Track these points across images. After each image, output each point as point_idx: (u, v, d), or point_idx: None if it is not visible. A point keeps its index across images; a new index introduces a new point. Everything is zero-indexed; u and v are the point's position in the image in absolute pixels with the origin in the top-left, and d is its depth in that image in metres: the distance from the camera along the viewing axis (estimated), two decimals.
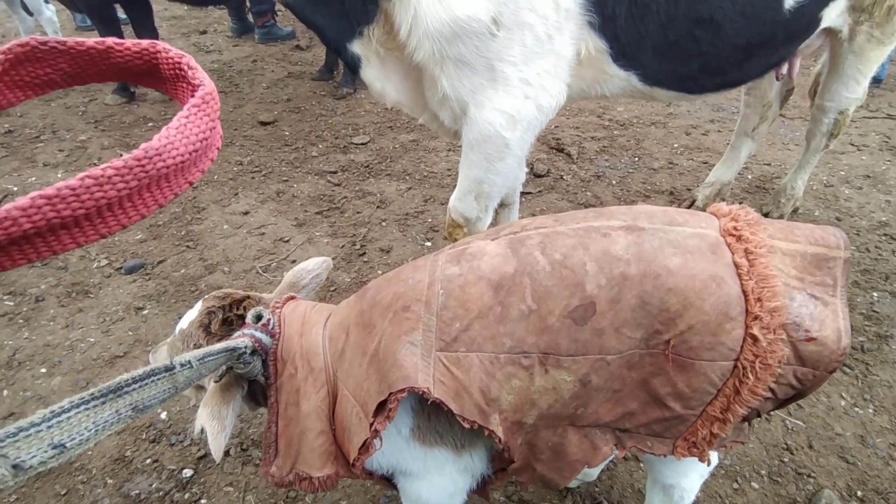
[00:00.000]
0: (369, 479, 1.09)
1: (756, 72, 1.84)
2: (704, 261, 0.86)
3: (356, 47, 1.51)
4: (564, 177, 3.28)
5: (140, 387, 0.71)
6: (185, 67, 0.43)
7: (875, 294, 2.47)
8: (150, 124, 3.69)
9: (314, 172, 3.24)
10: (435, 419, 0.98)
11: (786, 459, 1.80)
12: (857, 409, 1.97)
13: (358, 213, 2.91)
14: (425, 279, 0.93)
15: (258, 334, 0.99)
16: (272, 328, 1.02)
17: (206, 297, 1.13)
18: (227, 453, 1.72)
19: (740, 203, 2.63)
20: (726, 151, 2.82)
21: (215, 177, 3.14)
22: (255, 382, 1.05)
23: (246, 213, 2.85)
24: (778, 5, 1.56)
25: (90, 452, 1.72)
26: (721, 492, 1.69)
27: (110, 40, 0.41)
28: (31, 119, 3.64)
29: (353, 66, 1.57)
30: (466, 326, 0.86)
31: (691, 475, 1.20)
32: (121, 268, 2.46)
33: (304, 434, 0.97)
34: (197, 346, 1.07)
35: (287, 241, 2.67)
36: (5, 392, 1.89)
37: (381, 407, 0.85)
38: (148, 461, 1.71)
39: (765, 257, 0.86)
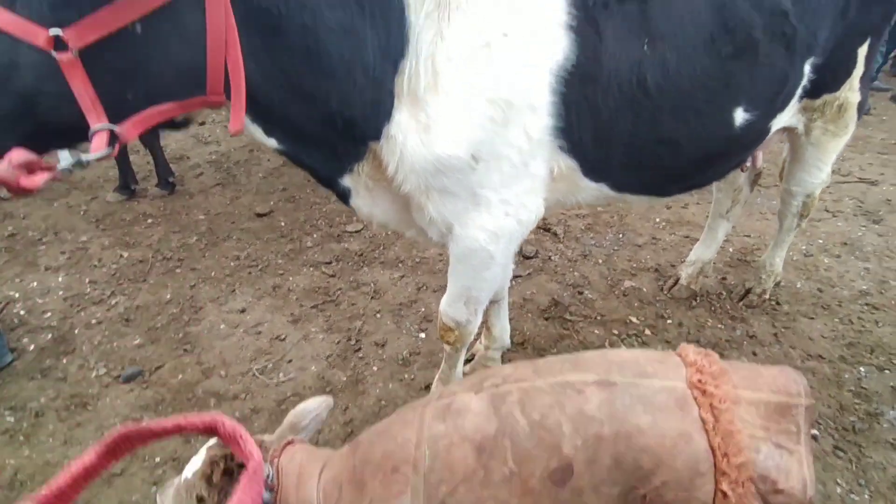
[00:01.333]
0: None
1: (717, 176, 1.98)
2: (673, 418, 0.93)
3: (347, 181, 1.62)
4: (552, 257, 3.38)
5: None
6: (238, 439, 0.53)
7: (862, 369, 2.51)
8: (149, 220, 3.81)
9: (309, 264, 3.33)
10: None
11: None
12: (853, 495, 1.98)
13: (353, 304, 2.98)
14: (412, 438, 0.98)
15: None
16: (271, 482, 1.06)
17: (210, 445, 1.18)
18: None
19: (723, 278, 2.71)
20: (704, 231, 2.94)
21: (213, 273, 3.23)
22: None
23: (243, 311, 2.92)
24: (729, 124, 1.70)
25: None
26: None
27: (182, 420, 0.52)
28: (34, 221, 3.76)
29: (344, 197, 1.68)
30: (452, 490, 0.91)
31: None
32: (119, 376, 2.49)
33: None
34: (199, 497, 1.11)
35: (283, 339, 2.72)
36: None
37: None
38: None
39: (729, 412, 0.92)
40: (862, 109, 2.21)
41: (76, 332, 2.77)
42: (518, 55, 1.44)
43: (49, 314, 2.91)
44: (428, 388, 2.36)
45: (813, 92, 1.99)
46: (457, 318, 1.95)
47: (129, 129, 1.20)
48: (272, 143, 1.49)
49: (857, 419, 2.26)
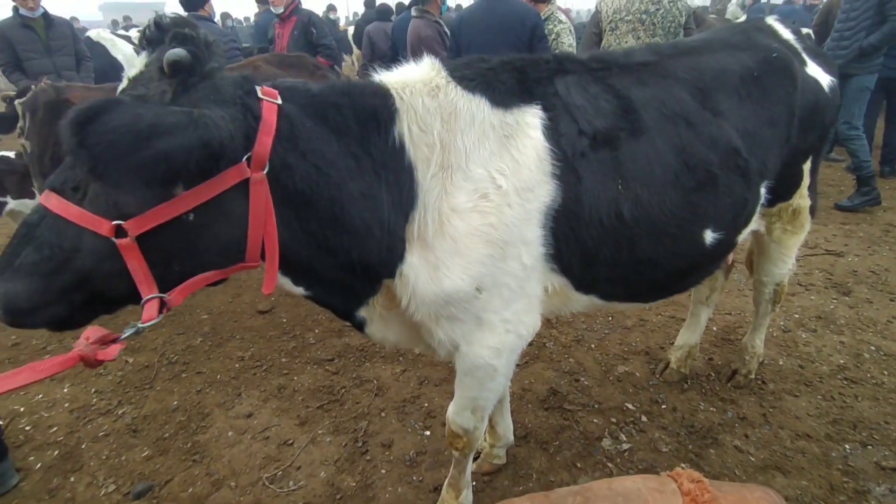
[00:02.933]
0: None
1: (694, 284, 2.20)
2: None
3: (363, 312, 1.78)
4: (547, 343, 3.52)
5: None
6: None
7: (847, 446, 2.64)
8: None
9: (313, 361, 3.42)
10: None
11: None
12: None
13: (357, 402, 3.06)
14: None
15: None
16: None
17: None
18: None
19: (709, 359, 2.86)
20: (688, 318, 3.13)
21: (218, 376, 3.30)
22: None
23: (249, 416, 2.97)
24: (700, 243, 1.92)
25: None
26: None
27: None
28: (38, 329, 3.82)
29: (359, 326, 1.83)
30: None
31: None
32: (129, 493, 2.51)
33: None
34: None
35: (291, 443, 2.78)
36: None
37: None
38: None
39: None
40: (814, 211, 2.48)
41: (83, 446, 2.80)
42: (511, 202, 1.65)
43: (55, 428, 2.93)
44: (437, 489, 2.42)
45: (769, 203, 2.25)
46: (465, 426, 2.06)
47: (177, 296, 1.35)
48: (300, 290, 1.66)
49: (846, 499, 2.36)
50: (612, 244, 1.81)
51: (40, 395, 3.17)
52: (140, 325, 1.30)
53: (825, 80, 2.30)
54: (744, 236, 2.24)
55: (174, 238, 1.32)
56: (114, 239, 1.26)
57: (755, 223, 2.32)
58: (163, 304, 1.35)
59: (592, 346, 3.49)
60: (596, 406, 2.96)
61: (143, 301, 1.32)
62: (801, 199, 2.37)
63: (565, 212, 1.72)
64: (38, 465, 2.69)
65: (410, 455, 2.67)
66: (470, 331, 1.81)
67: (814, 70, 2.28)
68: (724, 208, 1.91)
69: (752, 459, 2.58)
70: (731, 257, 2.54)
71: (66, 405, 3.09)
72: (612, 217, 1.76)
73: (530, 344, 3.47)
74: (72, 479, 2.61)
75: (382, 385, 3.19)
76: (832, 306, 3.81)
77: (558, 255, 1.81)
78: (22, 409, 3.08)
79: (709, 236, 1.92)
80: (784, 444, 2.66)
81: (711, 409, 2.90)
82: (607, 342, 3.52)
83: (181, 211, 1.28)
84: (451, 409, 2.09)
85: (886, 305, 3.80)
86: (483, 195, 1.65)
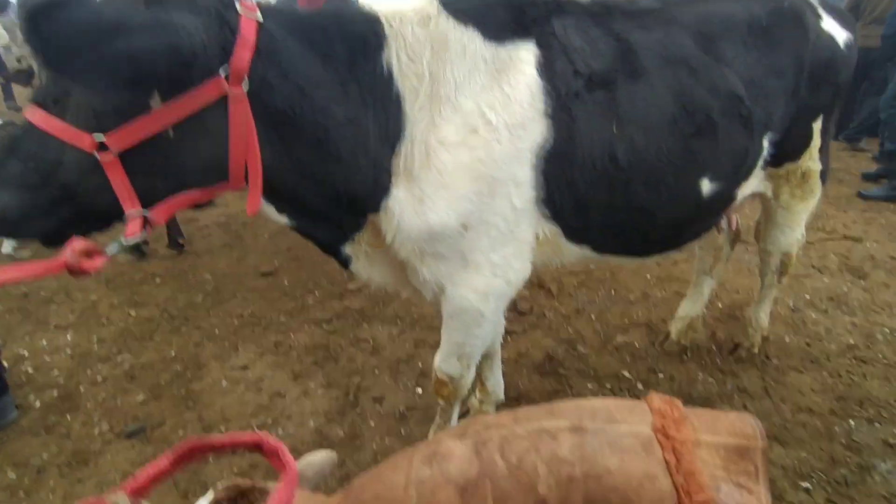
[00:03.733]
0: None
1: (690, 238, 2.12)
2: (639, 459, 1.01)
3: (348, 249, 1.77)
4: (546, 313, 3.47)
5: None
6: (280, 451, 0.66)
7: (852, 422, 2.55)
8: (158, 280, 3.95)
9: (311, 321, 3.43)
10: None
11: None
12: None
13: (352, 360, 3.06)
14: (401, 481, 1.06)
15: None
16: None
17: (215, 488, 1.25)
18: None
19: (713, 333, 2.80)
20: (690, 288, 3.05)
21: (216, 331, 3.33)
22: None
23: (245, 368, 2.99)
24: (697, 193, 1.86)
25: None
26: None
27: (235, 437, 0.65)
28: (47, 281, 3.90)
29: (345, 262, 1.82)
30: None
31: None
32: (121, 433, 2.55)
33: None
34: None
35: (283, 395, 2.79)
36: None
37: None
38: None
39: (690, 453, 1.01)
40: (825, 177, 2.38)
41: (81, 389, 2.84)
42: (501, 138, 1.61)
43: (56, 372, 2.99)
44: None
45: (775, 162, 2.17)
46: (451, 373, 2.04)
47: (160, 214, 1.35)
48: (283, 219, 1.64)
49: (848, 472, 2.29)
50: (606, 189, 1.76)
51: (44, 341, 3.24)
52: (124, 241, 1.31)
53: (841, 36, 2.20)
54: (745, 193, 2.16)
55: (156, 155, 1.31)
56: (96, 154, 1.27)
57: (760, 182, 2.24)
58: (146, 222, 1.35)
59: (593, 316, 3.43)
60: (591, 373, 2.91)
61: (126, 217, 1.33)
62: (811, 161, 2.28)
63: (557, 153, 1.67)
64: (38, 403, 2.75)
65: (400, 410, 2.66)
66: (455, 271, 1.78)
67: (829, 25, 2.19)
68: (724, 157, 1.85)
69: None
70: (734, 221, 2.46)
71: (69, 351, 3.15)
72: (606, 160, 1.71)
73: (529, 312, 3.46)
74: (68, 417, 2.66)
75: (378, 345, 3.18)
76: (846, 289, 3.69)
77: (550, 200, 1.76)
78: (26, 354, 3.14)
79: (706, 186, 1.86)
80: (784, 417, 2.58)
81: (710, 380, 2.84)
82: (608, 314, 3.46)
83: (161, 126, 1.27)
84: (437, 356, 2.06)
85: None
86: (472, 129, 1.61)
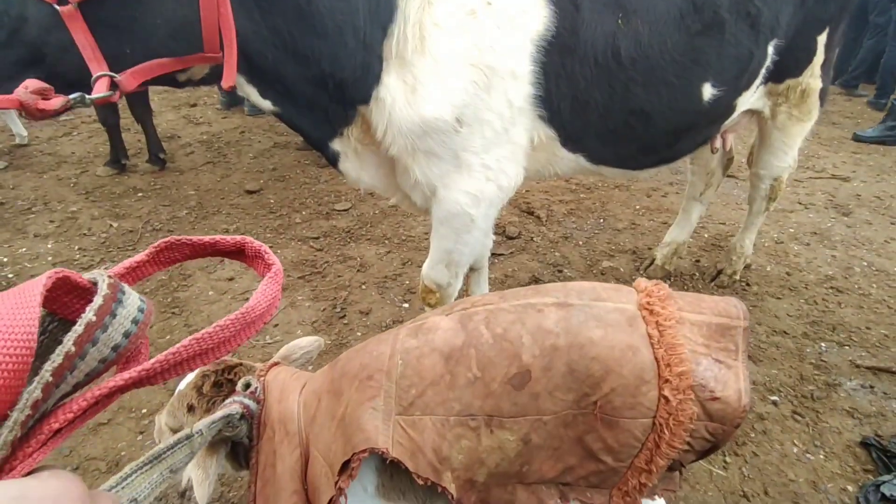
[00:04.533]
0: None
1: (686, 150, 2.09)
2: (622, 332, 1.02)
3: (336, 145, 1.70)
4: (534, 238, 3.48)
5: (171, 453, 0.86)
6: (263, 252, 0.63)
7: (823, 344, 2.64)
8: (139, 194, 3.85)
9: (297, 238, 3.40)
10: (397, 478, 1.09)
11: None
12: (808, 455, 2.10)
13: (339, 276, 3.06)
14: (387, 351, 1.07)
15: (247, 401, 1.11)
16: (258, 395, 1.14)
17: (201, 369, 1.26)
18: None
19: (697, 261, 2.83)
20: (679, 214, 3.06)
21: None
22: (238, 444, 1.16)
23: (231, 280, 2.98)
24: (697, 99, 1.81)
25: None
26: None
27: (218, 238, 0.61)
28: (24, 191, 3.79)
29: (333, 160, 1.76)
30: (421, 393, 1.00)
31: None
32: None
33: (279, 494, 1.08)
34: (189, 406, 1.20)
35: None
36: None
37: (345, 466, 0.97)
38: None
39: (673, 328, 1.02)
40: (824, 97, 2.34)
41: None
42: (501, 23, 1.53)
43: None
44: None
45: (777, 76, 2.11)
46: (438, 281, 2.04)
47: (129, 79, 1.28)
48: (267, 104, 1.57)
49: (815, 388, 2.39)
50: (606, 88, 1.70)
51: (24, 249, 3.18)
52: (87, 97, 1.25)
53: None
54: (744, 107, 2.11)
55: (118, 9, 1.24)
56: (56, 6, 1.20)
57: (759, 98, 2.19)
58: (115, 86, 1.29)
59: (580, 243, 3.45)
60: None
61: (93, 78, 1.27)
62: (813, 78, 2.22)
63: (559, 45, 1.60)
64: None
65: (387, 322, 2.69)
66: (448, 172, 1.74)
67: None
68: (728, 60, 1.79)
69: None
70: (729, 141, 2.42)
71: (50, 259, 3.10)
72: (609, 56, 1.64)
73: (517, 237, 3.47)
74: None
75: (365, 263, 3.18)
76: (829, 224, 3.73)
77: (548, 99, 1.70)
78: (6, 260, 3.09)
79: (708, 91, 1.81)
80: (759, 338, 2.66)
81: None
82: (595, 241, 3.47)
83: None
84: (426, 264, 2.06)
85: (886, 227, 3.71)
86: (470, 11, 1.52)
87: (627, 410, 1.00)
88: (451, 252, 1.96)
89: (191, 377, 1.21)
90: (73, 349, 0.45)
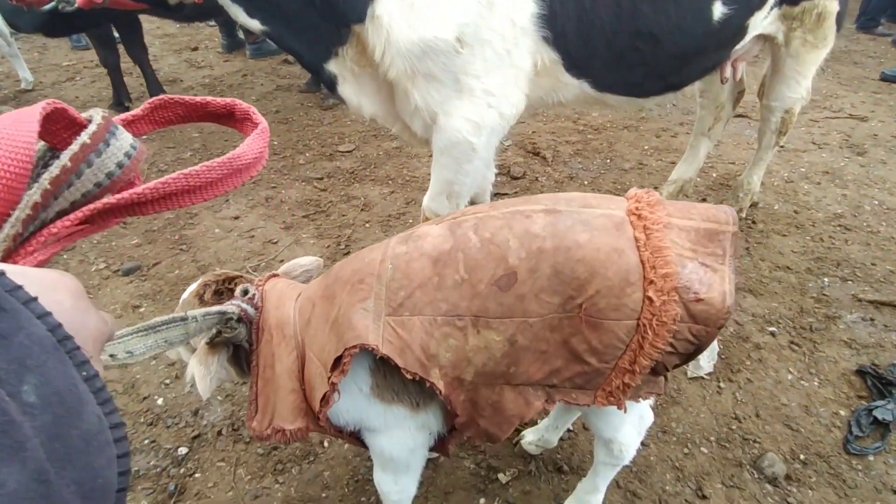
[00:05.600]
0: (339, 435, 1.25)
1: (694, 75, 2.03)
2: (608, 236, 1.03)
3: (332, 67, 1.68)
4: (539, 178, 3.45)
5: (167, 328, 0.93)
6: (251, 113, 0.64)
7: (826, 279, 2.64)
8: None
9: (301, 179, 3.41)
10: (391, 378, 1.14)
11: (734, 427, 1.96)
12: (803, 382, 2.14)
13: (343, 216, 3.08)
14: (378, 257, 1.10)
15: (244, 305, 1.15)
16: (256, 301, 1.18)
17: (206, 274, 1.31)
18: (219, 433, 1.87)
19: (703, 199, 2.80)
20: (686, 150, 3.01)
21: None
22: (241, 351, 1.21)
23: (236, 218, 3.02)
24: (707, 19, 1.74)
25: None
26: (672, 456, 1.84)
27: (209, 98, 0.63)
28: None
29: (331, 84, 1.74)
30: (410, 294, 1.03)
31: (624, 429, 1.35)
32: (118, 270, 2.62)
33: (278, 392, 1.13)
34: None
35: (276, 242, 2.84)
36: None
37: (337, 362, 1.01)
38: (146, 442, 1.86)
39: (660, 232, 1.03)
40: (841, 21, 2.24)
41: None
42: None
43: None
44: None
45: None
46: (438, 212, 2.05)
47: None
48: (255, 24, 1.54)
49: (815, 320, 2.40)
50: (613, 7, 1.65)
51: None
52: None
53: None
54: (756, 30, 2.03)
55: None
56: None
57: (772, 22, 2.10)
58: None
59: (585, 182, 3.42)
60: None
61: None
62: (830, 0, 2.12)
63: None
64: None
65: None
66: (449, 97, 1.72)
67: None
68: None
69: None
70: (739, 70, 2.35)
71: None
72: None
73: (522, 177, 3.44)
74: (65, 256, 2.71)
75: (369, 202, 3.19)
76: (842, 164, 3.64)
77: (552, 19, 1.65)
78: None
79: (718, 9, 1.74)
80: (762, 273, 2.66)
81: None
82: (601, 180, 3.44)
83: None
84: (426, 196, 2.06)
85: None
86: None
87: (612, 312, 1.03)
88: (453, 183, 1.96)
89: (193, 286, 1.25)
90: (69, 164, 0.48)
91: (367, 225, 2.99)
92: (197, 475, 1.76)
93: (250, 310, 1.15)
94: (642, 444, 1.87)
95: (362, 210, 3.12)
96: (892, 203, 3.22)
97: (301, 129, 4.01)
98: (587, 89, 1.92)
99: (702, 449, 1.88)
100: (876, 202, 3.24)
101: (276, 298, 1.18)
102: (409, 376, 1.02)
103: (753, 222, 3.02)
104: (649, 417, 1.41)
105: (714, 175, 3.50)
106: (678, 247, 1.04)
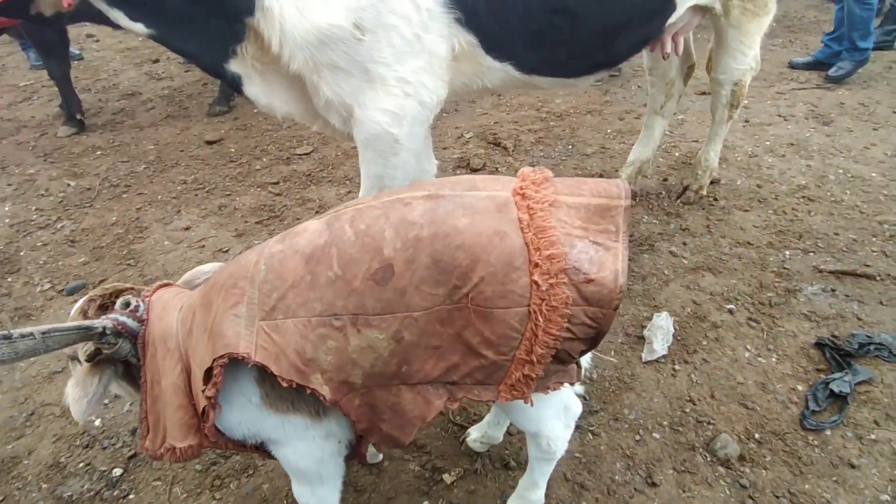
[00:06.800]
0: (242, 450, 1.19)
1: (624, 51, 1.96)
2: (490, 218, 0.97)
3: (234, 67, 1.61)
4: (499, 169, 3.39)
5: (22, 339, 0.85)
6: None
7: (787, 252, 2.58)
8: (98, 152, 3.79)
9: (257, 185, 3.34)
10: (280, 388, 1.07)
11: (688, 410, 1.90)
12: (760, 359, 2.08)
13: (297, 219, 3.01)
14: (254, 258, 1.03)
15: (122, 318, 1.09)
16: (140, 314, 1.12)
17: (95, 288, 1.24)
18: None
19: (664, 179, 2.74)
20: (642, 131, 2.94)
21: (159, 197, 3.24)
22: (133, 367, 1.15)
23: (187, 229, 2.95)
24: None
25: (26, 462, 1.81)
26: (623, 444, 1.79)
27: None
28: None
29: (236, 85, 1.67)
30: (282, 296, 0.97)
31: (549, 422, 1.29)
32: (63, 290, 2.55)
33: (167, 409, 1.07)
34: None
35: (226, 251, 2.77)
36: None
37: (209, 374, 0.95)
38: (81, 465, 1.80)
39: (544, 211, 0.97)
40: None
41: (22, 254, 2.81)
42: None
43: None
44: None
45: None
46: None
47: None
48: (139, 27, 1.47)
49: (774, 295, 2.34)
50: None
51: None
52: None
53: None
54: (690, 2, 1.96)
55: None
56: None
57: None
58: None
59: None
60: None
61: None
62: None
63: None
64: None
65: None
66: (360, 88, 1.65)
67: None
68: None
69: (685, 262, 2.54)
70: (680, 45, 2.28)
71: (7, 220, 3.08)
72: None
73: (481, 168, 3.38)
74: (9, 279, 2.65)
75: (324, 204, 3.13)
76: (808, 134, 3.58)
77: None
78: None
79: None
80: (721, 251, 2.60)
81: (654, 221, 2.83)
82: (562, 167, 3.38)
83: None
84: (360, 193, 2.00)
85: (867, 134, 3.56)
86: None
87: (500, 300, 0.96)
88: (382, 177, 1.89)
89: (79, 302, 1.19)
90: None
91: None
92: (131, 496, 1.70)
93: (131, 323, 1.08)
94: (592, 433, 1.83)
95: (317, 212, 3.06)
96: (857, 171, 3.16)
97: (259, 134, 3.94)
98: (512, 72, 1.85)
99: (654, 435, 1.82)
100: (841, 171, 3.18)
101: (160, 309, 1.12)
102: (284, 384, 0.96)
103: (715, 199, 2.96)
104: (576, 407, 1.35)
105: (677, 154, 3.44)
106: (567, 225, 0.98)
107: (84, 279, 2.61)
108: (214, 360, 0.93)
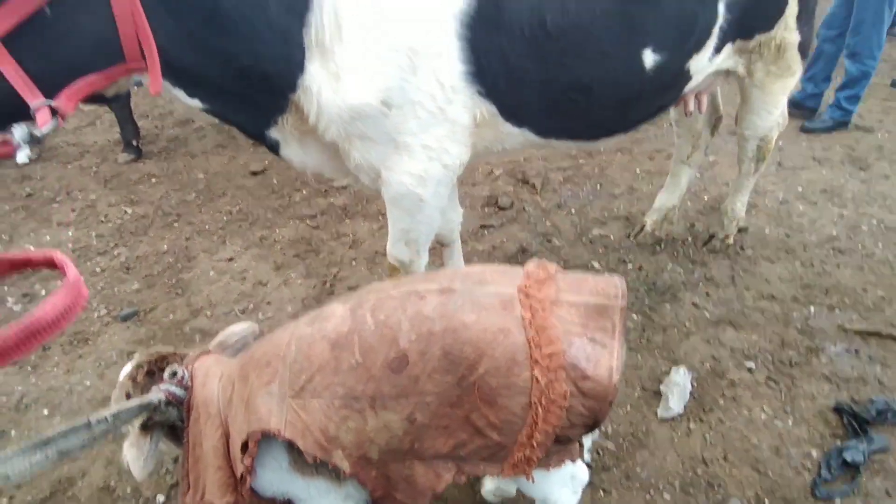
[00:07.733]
0: None
1: (640, 119, 2.04)
2: (496, 316, 1.08)
3: (274, 133, 1.77)
4: (527, 208, 3.48)
5: (64, 438, 0.99)
6: (65, 265, 0.72)
7: (812, 308, 2.58)
8: (153, 180, 4.07)
9: (296, 217, 3.53)
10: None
11: (699, 471, 1.94)
12: (776, 421, 2.09)
13: (332, 254, 3.18)
14: (286, 338, 1.17)
15: (172, 388, 1.24)
16: (185, 382, 1.27)
17: (140, 352, 1.40)
18: None
19: (692, 225, 2.78)
20: (668, 179, 2.99)
21: (207, 227, 3.47)
22: (176, 427, 1.30)
23: (231, 260, 3.16)
24: (638, 68, 1.76)
25: (80, 483, 2.00)
26: (633, 503, 1.84)
27: (28, 255, 0.71)
28: (49, 182, 4.07)
29: (274, 148, 1.83)
30: (310, 377, 1.10)
31: (557, 491, 1.38)
32: (117, 316, 2.78)
33: (207, 469, 1.21)
34: (127, 394, 1.34)
35: (265, 284, 2.95)
36: (13, 432, 2.20)
37: (245, 446, 1.09)
38: (129, 490, 1.97)
39: (546, 310, 1.07)
40: (805, 50, 2.21)
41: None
42: (418, 3, 1.54)
43: None
44: None
45: (744, 32, 2.01)
46: (400, 258, 2.11)
47: (66, 102, 1.35)
48: (196, 103, 1.63)
49: (795, 354, 2.35)
50: (538, 60, 1.68)
51: (48, 237, 3.45)
52: (35, 131, 1.33)
53: None
54: (706, 69, 2.03)
55: (39, 36, 1.29)
56: None
57: (728, 58, 2.09)
58: (55, 113, 1.37)
59: (573, 210, 3.42)
60: (561, 264, 2.94)
61: (31, 109, 1.34)
62: (787, 31, 2.10)
63: (482, 18, 1.59)
64: (43, 292, 2.99)
65: None
66: (387, 154, 1.78)
67: None
68: (667, 23, 1.72)
69: (707, 315, 2.57)
70: (703, 103, 2.33)
71: (70, 246, 3.36)
72: (535, 26, 1.62)
73: (509, 207, 3.48)
74: None
75: (357, 239, 3.29)
76: (843, 181, 3.54)
77: (481, 74, 1.70)
78: (31, 248, 3.36)
79: (649, 57, 1.76)
80: (745, 304, 2.62)
81: (679, 269, 2.86)
82: (589, 208, 3.44)
83: (35, 4, 1.24)
84: (388, 243, 2.13)
85: None
86: None
87: (503, 390, 1.07)
88: (408, 231, 2.02)
89: (128, 368, 1.35)
90: None
91: (354, 262, 3.09)
92: None
93: (178, 391, 1.23)
94: (603, 490, 1.90)
95: (350, 247, 3.22)
96: (892, 221, 3.11)
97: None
98: (530, 136, 1.95)
99: (664, 495, 1.87)
100: (875, 221, 3.14)
101: (203, 377, 1.27)
102: (309, 459, 1.08)
103: (741, 248, 2.97)
104: (583, 475, 1.43)
105: (706, 198, 3.45)
106: (567, 323, 1.08)
107: (137, 306, 2.84)
108: (249, 434, 1.07)
